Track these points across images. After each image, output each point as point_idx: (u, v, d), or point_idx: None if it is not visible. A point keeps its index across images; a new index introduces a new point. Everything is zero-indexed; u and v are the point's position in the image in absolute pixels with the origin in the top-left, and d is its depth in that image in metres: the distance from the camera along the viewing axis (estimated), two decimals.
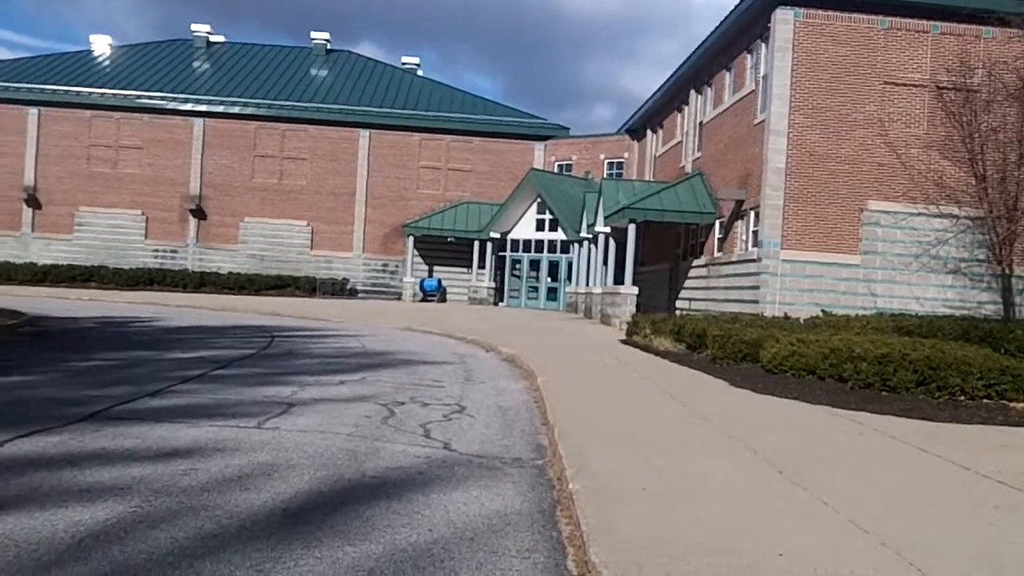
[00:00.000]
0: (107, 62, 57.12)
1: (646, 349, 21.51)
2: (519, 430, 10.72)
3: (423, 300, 51.06)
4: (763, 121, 26.80)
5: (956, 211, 25.15)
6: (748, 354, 17.28)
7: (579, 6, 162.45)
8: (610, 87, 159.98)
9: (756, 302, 25.91)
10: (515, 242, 50.45)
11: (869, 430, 10.90)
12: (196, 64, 58.26)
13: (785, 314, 23.46)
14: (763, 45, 27.75)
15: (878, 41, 26.25)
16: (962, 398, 13.66)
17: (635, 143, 47.46)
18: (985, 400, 13.67)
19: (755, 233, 27.19)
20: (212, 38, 61.89)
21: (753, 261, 26.60)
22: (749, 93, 28.54)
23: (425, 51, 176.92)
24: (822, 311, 24.04)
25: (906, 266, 25.89)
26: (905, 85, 26.32)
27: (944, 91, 25.78)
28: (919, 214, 25.47)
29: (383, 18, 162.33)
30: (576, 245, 43.46)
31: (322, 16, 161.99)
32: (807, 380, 14.86)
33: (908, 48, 26.37)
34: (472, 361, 19.29)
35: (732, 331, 18.09)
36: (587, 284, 40.23)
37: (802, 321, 21.62)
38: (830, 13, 26.25)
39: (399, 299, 51.38)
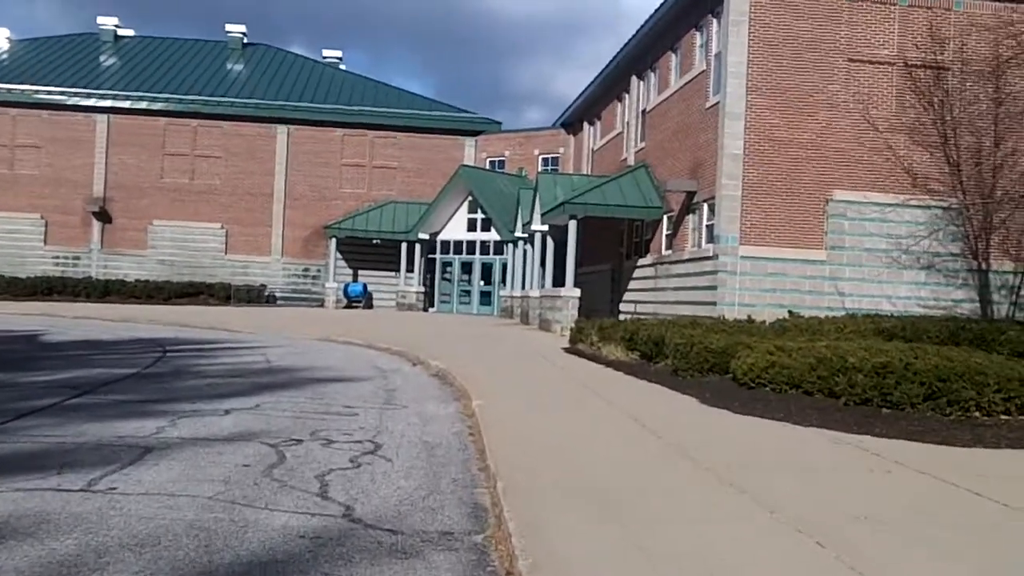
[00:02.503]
0: (4, 56, 53.25)
1: (594, 359, 19.22)
2: (450, 479, 8.13)
3: (347, 307, 48.30)
4: (716, 104, 24.41)
5: (929, 201, 23.24)
6: (715, 364, 15.09)
7: (511, 9, 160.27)
8: (543, 89, 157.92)
9: (713, 304, 23.50)
10: (445, 243, 48.11)
11: (891, 463, 8.72)
12: (102, 58, 54.47)
13: (749, 317, 21.06)
14: (714, 21, 25.38)
15: (841, 15, 23.99)
16: (977, 414, 11.74)
17: (571, 137, 45.11)
18: (1004, 416, 11.73)
19: (709, 228, 24.84)
20: (120, 32, 58.14)
21: (708, 259, 24.18)
22: (699, 74, 26.13)
23: (354, 52, 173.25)
24: (788, 312, 21.76)
25: (883, 262, 23.70)
26: (871, 63, 24.13)
27: (913, 69, 23.86)
28: (889, 204, 23.55)
29: (308, 19, 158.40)
30: (511, 246, 41.26)
31: (244, 15, 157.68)
32: (790, 395, 12.87)
33: (874, 22, 24.19)
34: (395, 378, 16.55)
35: (695, 338, 15.81)
36: (523, 287, 38.01)
37: (767, 324, 19.30)
38: None
39: (322, 306, 48.47)
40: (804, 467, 8.55)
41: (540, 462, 8.29)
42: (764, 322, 19.77)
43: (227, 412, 11.26)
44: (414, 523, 6.50)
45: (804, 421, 11.02)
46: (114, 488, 7.08)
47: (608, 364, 17.99)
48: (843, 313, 21.94)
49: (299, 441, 9.46)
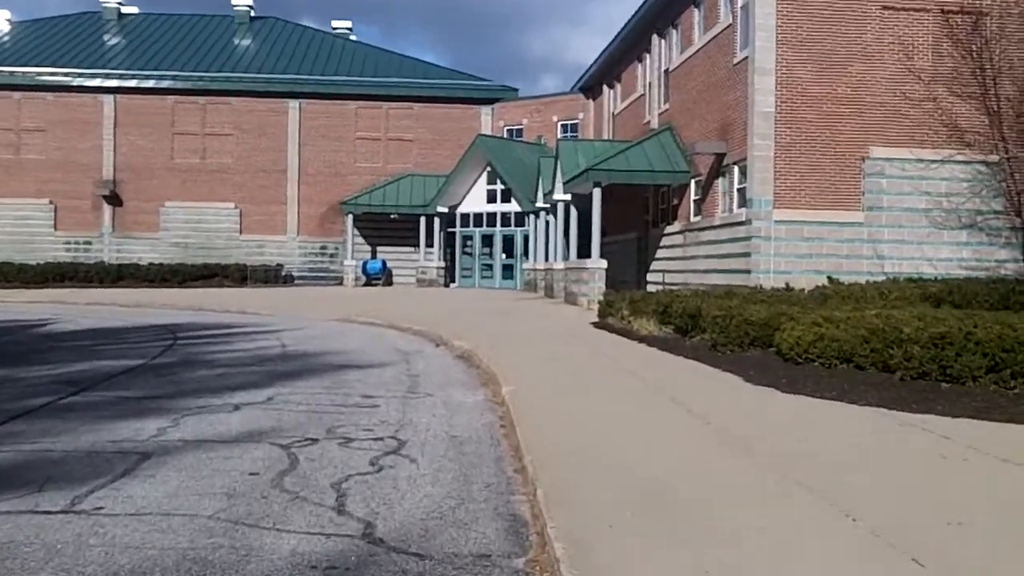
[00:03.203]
0: (5, 38, 52.31)
1: (626, 334, 18.21)
2: (482, 484, 7.21)
3: (366, 284, 47.36)
4: (745, 60, 23.25)
5: (970, 155, 22.03)
6: (757, 338, 14.21)
7: None
8: (557, 57, 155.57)
9: (747, 272, 22.44)
10: (465, 216, 46.98)
11: (964, 448, 7.80)
12: (106, 37, 53.37)
13: (786, 284, 20.07)
14: None
15: None
16: None
17: (591, 102, 43.87)
18: None
19: (741, 191, 23.74)
20: (124, 9, 57.03)
21: (741, 224, 23.09)
22: (725, 28, 24.91)
23: (363, 26, 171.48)
24: (828, 279, 20.66)
25: (923, 223, 22.61)
26: (906, 10, 22.95)
27: (950, 15, 22.53)
28: (928, 161, 22.39)
29: None
30: (532, 217, 40.15)
31: None
32: (841, 370, 11.90)
33: None
34: (418, 361, 15.61)
35: (733, 309, 14.90)
36: (546, 259, 36.89)
37: (806, 292, 18.34)
38: None
39: (340, 284, 47.53)
40: (872, 456, 7.58)
41: (582, 460, 7.32)
42: (803, 290, 18.87)
43: (236, 407, 10.35)
44: (444, 543, 5.56)
45: (860, 399, 10.11)
46: (100, 508, 6.20)
47: (641, 340, 17.04)
48: (883, 277, 20.92)
49: (314, 440, 8.54)
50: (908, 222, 22.84)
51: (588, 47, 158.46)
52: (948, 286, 17.72)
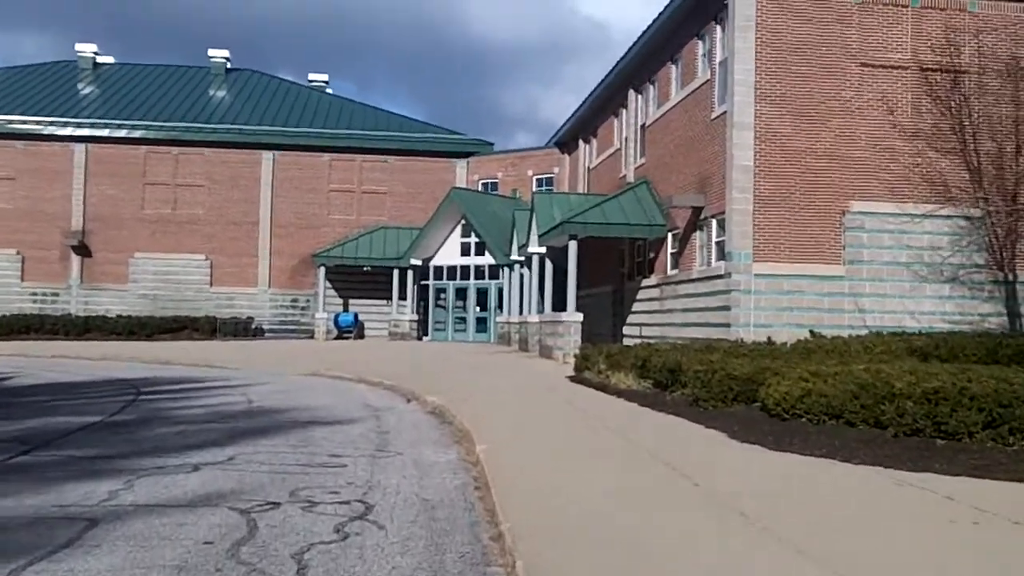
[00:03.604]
0: None
1: (603, 388, 17.76)
2: (456, 553, 6.69)
3: (338, 337, 46.73)
4: (723, 114, 23.07)
5: (950, 210, 21.93)
6: (740, 393, 13.76)
7: (495, 36, 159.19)
8: (531, 114, 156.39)
9: (727, 325, 22.04)
10: (439, 269, 46.60)
11: (971, 510, 7.38)
12: (80, 86, 53.09)
13: (768, 338, 19.66)
14: (718, 28, 24.07)
15: (851, 17, 22.77)
16: None
17: (566, 156, 43.73)
18: None
19: (719, 244, 23.43)
20: (100, 59, 56.80)
21: (720, 277, 22.75)
22: (703, 84, 24.78)
23: (340, 80, 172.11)
24: (810, 332, 20.26)
25: (904, 276, 22.43)
26: (885, 67, 22.87)
27: (929, 73, 22.55)
28: (908, 215, 22.24)
29: (293, 47, 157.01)
30: (506, 269, 39.87)
31: (228, 42, 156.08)
32: (830, 427, 11.47)
33: (886, 25, 22.96)
34: (388, 417, 15.03)
35: (715, 364, 14.43)
36: (520, 312, 36.55)
37: (788, 346, 17.97)
38: None
39: (312, 337, 46.85)
40: (876, 520, 7.09)
41: (564, 528, 6.81)
42: (785, 344, 18.45)
43: (195, 468, 9.74)
44: None
45: (852, 457, 9.74)
46: None
47: (619, 394, 16.56)
48: (865, 331, 20.63)
49: (276, 504, 7.96)
50: (889, 275, 22.59)
51: (561, 105, 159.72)
52: (934, 340, 17.39)
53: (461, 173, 48.82)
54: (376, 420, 14.54)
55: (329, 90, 57.71)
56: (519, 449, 10.75)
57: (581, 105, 37.87)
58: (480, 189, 47.97)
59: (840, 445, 10.36)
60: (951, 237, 22.49)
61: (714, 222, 23.84)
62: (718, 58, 23.98)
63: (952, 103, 22.45)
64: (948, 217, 22.19)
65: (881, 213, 22.55)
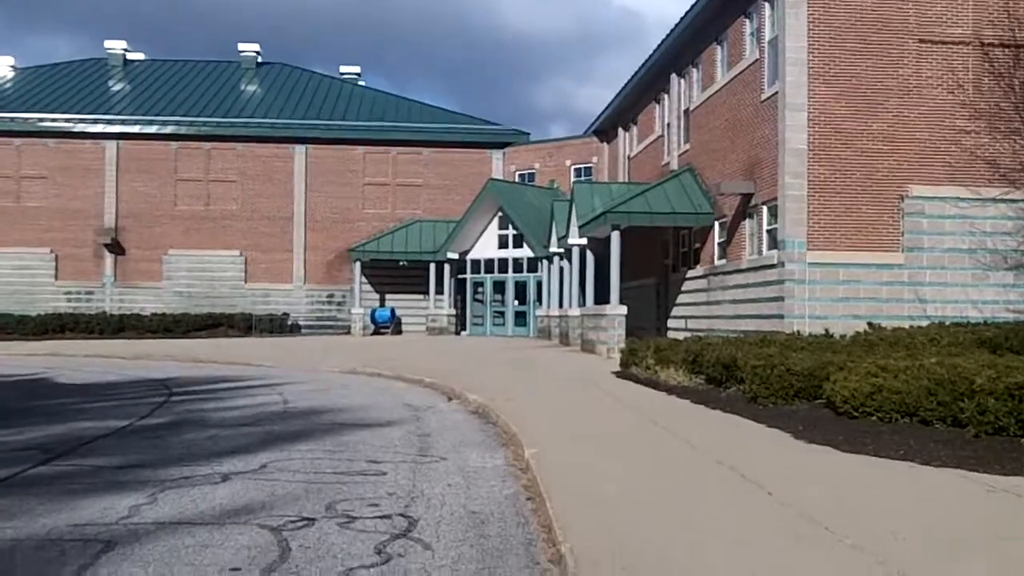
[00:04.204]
0: (8, 85, 51.53)
1: (652, 385, 16.85)
2: None
3: (375, 333, 46.14)
4: (774, 95, 22.10)
5: (1012, 193, 20.84)
6: (802, 389, 12.95)
7: (529, 28, 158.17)
8: (565, 106, 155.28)
9: (780, 316, 21.10)
10: (476, 262, 45.82)
11: None
12: (110, 83, 52.67)
13: (826, 330, 18.66)
14: (767, 4, 23.12)
15: None
16: None
17: (604, 145, 42.84)
18: None
19: (771, 233, 22.49)
20: (130, 56, 56.42)
21: (772, 267, 21.78)
22: (752, 64, 23.78)
23: (372, 75, 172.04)
24: (868, 324, 19.28)
25: (966, 264, 21.45)
26: (944, 43, 21.80)
27: (990, 49, 21.41)
28: (970, 199, 21.24)
29: (324, 42, 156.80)
30: (545, 262, 39.05)
31: (259, 37, 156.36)
32: (903, 426, 10.76)
33: None
34: (429, 418, 14.21)
35: (774, 358, 13.54)
36: (560, 306, 35.68)
37: (847, 338, 17.09)
38: None
39: (348, 333, 46.29)
40: (979, 536, 6.27)
41: (631, 547, 5.96)
42: (844, 336, 17.55)
43: (225, 478, 8.97)
44: None
45: (933, 460, 8.98)
46: None
47: (670, 391, 15.67)
48: (926, 322, 19.61)
49: (310, 521, 7.17)
50: (951, 263, 21.59)
51: (596, 97, 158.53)
52: (1003, 331, 16.50)
53: (497, 164, 48.04)
54: (416, 421, 13.74)
55: (361, 83, 57.04)
56: (571, 453, 9.92)
57: (620, 92, 36.97)
58: (517, 180, 47.21)
59: (917, 446, 9.64)
60: (1016, 222, 21.39)
61: (765, 209, 22.88)
62: (767, 37, 23.01)
63: (1015, 81, 21.34)
64: (1013, 201, 21.11)
65: (941, 198, 21.55)
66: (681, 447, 10.30)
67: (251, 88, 53.28)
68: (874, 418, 11.03)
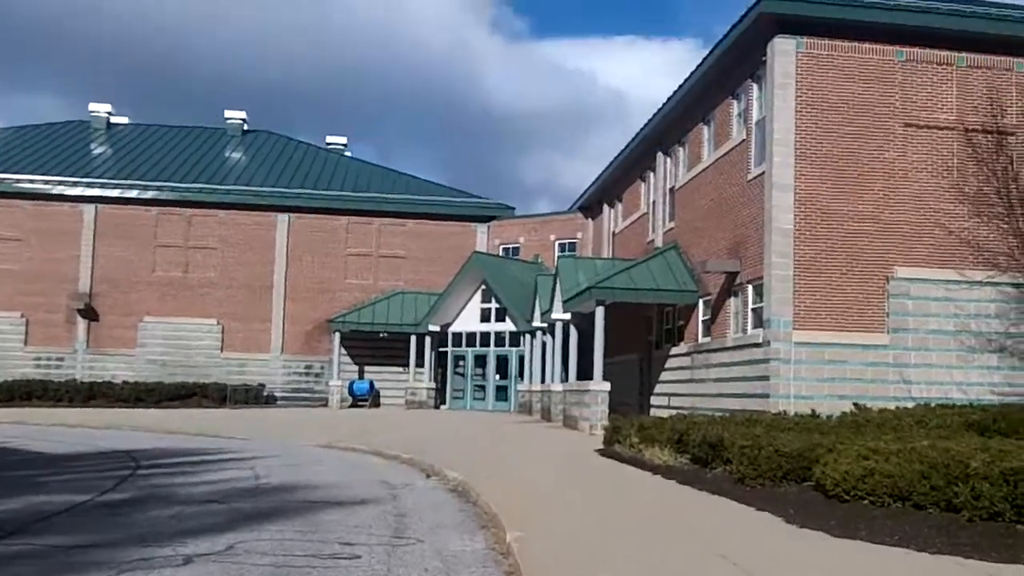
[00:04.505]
0: None
1: (636, 463, 16.54)
2: None
3: (353, 405, 45.43)
4: (760, 175, 22.18)
5: (997, 276, 20.86)
6: (791, 471, 12.74)
7: (515, 104, 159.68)
8: (551, 182, 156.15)
9: (765, 396, 20.92)
10: (457, 335, 45.53)
11: None
12: (92, 146, 52.34)
13: (812, 410, 18.48)
14: (755, 86, 23.27)
15: (895, 76, 22.02)
16: None
17: (589, 221, 42.94)
18: None
19: (756, 311, 22.44)
20: (114, 119, 56.09)
21: (758, 346, 21.64)
22: (738, 144, 23.89)
23: (359, 146, 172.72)
24: (854, 404, 19.11)
25: (951, 346, 21.38)
26: (929, 127, 22.08)
27: (974, 134, 21.58)
28: (955, 282, 21.31)
29: (311, 113, 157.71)
30: (528, 336, 38.77)
31: (246, 105, 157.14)
32: (895, 510, 10.60)
33: (930, 84, 22.22)
34: (407, 496, 13.74)
35: (761, 439, 13.34)
36: (543, 381, 35.42)
37: (834, 419, 16.96)
38: (837, 43, 21.94)
39: (325, 405, 45.58)
40: None
41: None
42: (831, 416, 17.40)
43: (187, 560, 8.48)
44: None
45: (928, 546, 8.85)
46: None
47: (655, 470, 15.36)
48: (911, 403, 19.49)
49: None
50: (935, 345, 21.58)
51: (581, 173, 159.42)
52: (990, 413, 16.53)
53: (481, 238, 47.97)
54: (393, 500, 13.26)
55: (348, 153, 57.13)
56: (554, 537, 9.54)
57: (606, 169, 37.26)
58: (501, 254, 47.22)
59: (912, 531, 9.48)
60: (999, 305, 21.51)
61: (750, 288, 22.80)
62: (755, 118, 23.19)
63: (997, 166, 21.49)
64: (997, 284, 21.13)
65: (927, 279, 21.70)
66: (671, 532, 10.02)
67: (236, 155, 53.10)
68: (866, 502, 10.83)
